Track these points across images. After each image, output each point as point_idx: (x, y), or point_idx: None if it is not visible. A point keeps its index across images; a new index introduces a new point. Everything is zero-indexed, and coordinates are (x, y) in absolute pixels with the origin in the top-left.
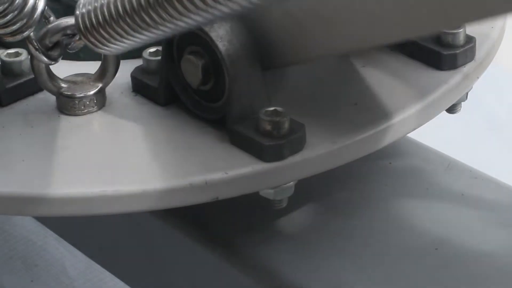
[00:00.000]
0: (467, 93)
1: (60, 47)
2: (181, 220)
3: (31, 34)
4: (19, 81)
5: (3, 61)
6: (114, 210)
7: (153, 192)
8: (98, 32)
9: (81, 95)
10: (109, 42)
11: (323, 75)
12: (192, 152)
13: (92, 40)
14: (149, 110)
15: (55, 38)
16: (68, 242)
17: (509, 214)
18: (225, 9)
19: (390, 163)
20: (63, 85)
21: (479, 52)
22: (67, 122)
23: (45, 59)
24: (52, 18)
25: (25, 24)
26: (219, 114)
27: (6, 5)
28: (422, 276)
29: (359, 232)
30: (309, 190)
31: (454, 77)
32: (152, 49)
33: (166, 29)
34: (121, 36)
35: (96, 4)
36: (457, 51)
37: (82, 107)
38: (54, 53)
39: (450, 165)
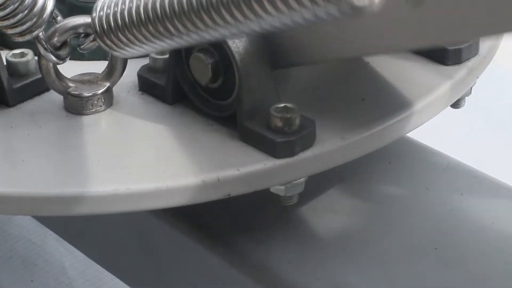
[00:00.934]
0: (471, 88)
1: (68, 47)
2: (181, 220)
3: (40, 34)
4: (25, 82)
5: (9, 62)
6: (126, 208)
7: (165, 190)
8: (116, 36)
9: (89, 94)
10: (127, 46)
11: (330, 71)
12: (202, 150)
13: (109, 43)
14: (157, 108)
15: (63, 38)
16: (68, 242)
17: (509, 214)
18: (253, 26)
19: (390, 163)
20: (70, 84)
21: (483, 47)
22: (75, 121)
23: (54, 58)
24: (59, 18)
25: (34, 23)
26: (228, 111)
27: (17, 4)
28: (422, 276)
29: (359, 232)
30: (309, 190)
31: (459, 72)
32: None
33: (189, 39)
34: (141, 42)
35: (116, 9)
36: (462, 46)
37: (90, 107)
38: (62, 52)
39: (450, 165)
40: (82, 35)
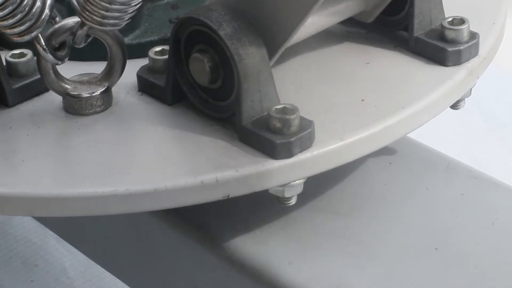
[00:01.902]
0: (471, 89)
1: (67, 47)
2: (181, 220)
3: (39, 34)
4: (24, 82)
5: (8, 62)
6: (125, 209)
7: (164, 191)
8: (93, 4)
9: (87, 95)
10: (107, 12)
11: (329, 72)
12: (201, 151)
13: (91, 17)
14: (156, 109)
15: (62, 38)
16: (68, 242)
17: (509, 214)
18: None
19: (390, 163)
20: (69, 85)
21: (483, 48)
22: (74, 122)
23: (53, 59)
24: (58, 19)
25: (33, 24)
26: (227, 112)
27: (16, 5)
28: (422, 276)
29: (359, 232)
30: (309, 190)
31: (458, 73)
32: (158, 48)
33: None
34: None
35: None
36: (461, 47)
37: (89, 107)
38: (61, 53)
39: (450, 165)
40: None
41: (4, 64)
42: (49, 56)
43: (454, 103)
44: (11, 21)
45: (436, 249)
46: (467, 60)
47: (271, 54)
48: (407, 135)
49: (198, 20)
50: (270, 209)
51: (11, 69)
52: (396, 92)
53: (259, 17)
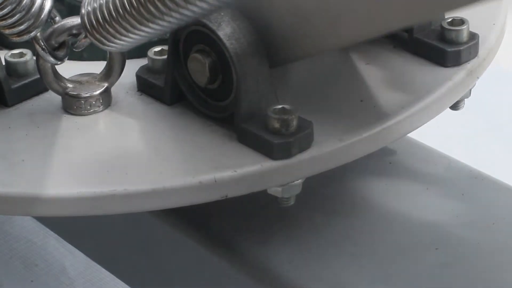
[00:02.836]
0: (470, 90)
1: (66, 47)
2: (181, 220)
3: (38, 34)
4: (24, 82)
5: (7, 62)
6: (124, 209)
7: (162, 191)
8: (104, 28)
9: (87, 95)
10: (115, 37)
11: (328, 72)
12: (200, 151)
13: (98, 37)
14: (155, 109)
15: (61, 38)
16: (68, 242)
17: (509, 214)
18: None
19: (390, 163)
20: (68, 85)
21: (482, 49)
22: (73, 122)
23: (51, 59)
24: (57, 18)
25: (32, 24)
26: (226, 112)
27: (14, 5)
28: (422, 275)
29: (359, 232)
30: (309, 190)
31: (458, 74)
32: (157, 48)
33: (172, 20)
34: (127, 30)
35: (101, 1)
36: (461, 48)
37: (88, 107)
38: (60, 53)
39: (450, 165)
40: (76, 34)
41: (4, 63)
42: (48, 56)
43: (454, 104)
44: (10, 21)
45: (436, 248)
46: (467, 61)
47: (271, 67)
48: (407, 135)
49: (197, 20)
50: (270, 209)
51: (10, 69)
52: (395, 93)
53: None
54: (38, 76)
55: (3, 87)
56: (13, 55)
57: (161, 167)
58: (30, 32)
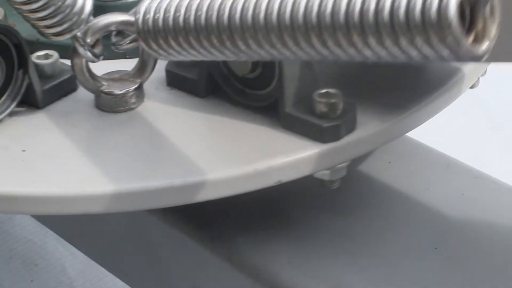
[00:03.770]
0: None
1: (101, 45)
2: (181, 220)
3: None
4: (53, 83)
5: (35, 64)
6: (181, 201)
7: (219, 180)
8: (165, 40)
9: (121, 92)
10: (173, 50)
11: None
12: (247, 139)
13: (154, 46)
14: (189, 102)
15: (96, 36)
16: (68, 242)
17: (509, 214)
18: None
19: (390, 163)
20: (103, 83)
21: None
22: (109, 119)
23: (91, 56)
24: (90, 17)
25: (74, 23)
26: (266, 100)
27: (58, 4)
28: (422, 275)
29: (359, 232)
30: (309, 190)
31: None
32: None
33: (241, 54)
34: (188, 49)
35: (168, 14)
36: None
37: (124, 104)
38: (96, 50)
39: (450, 165)
40: (114, 33)
41: None
42: (88, 54)
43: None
44: (51, 21)
45: (436, 249)
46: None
47: None
48: (407, 134)
49: None
50: (270, 209)
51: (38, 71)
52: (424, 74)
53: None
54: (66, 76)
55: (35, 89)
56: (39, 57)
57: (212, 158)
58: (72, 30)
